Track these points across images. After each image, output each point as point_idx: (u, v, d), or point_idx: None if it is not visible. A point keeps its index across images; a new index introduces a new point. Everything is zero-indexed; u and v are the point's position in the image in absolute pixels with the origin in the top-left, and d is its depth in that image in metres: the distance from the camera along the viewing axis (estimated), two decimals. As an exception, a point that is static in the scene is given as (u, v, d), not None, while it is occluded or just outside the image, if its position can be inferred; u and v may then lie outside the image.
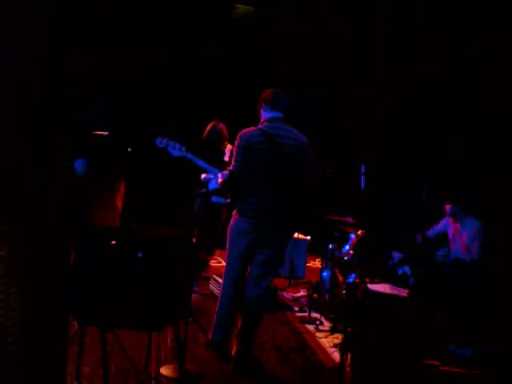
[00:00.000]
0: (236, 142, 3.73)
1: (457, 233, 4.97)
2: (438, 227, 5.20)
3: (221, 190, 4.93)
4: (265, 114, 3.79)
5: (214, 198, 5.38)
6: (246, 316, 3.77)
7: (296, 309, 5.30)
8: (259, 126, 3.74)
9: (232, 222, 3.79)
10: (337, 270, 5.06)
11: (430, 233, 5.24)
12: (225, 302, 3.79)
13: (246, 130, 3.75)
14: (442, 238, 5.17)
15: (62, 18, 1.94)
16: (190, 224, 5.46)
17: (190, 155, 3.86)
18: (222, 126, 5.49)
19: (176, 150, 3.84)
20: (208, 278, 5.53)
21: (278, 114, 3.75)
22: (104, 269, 2.93)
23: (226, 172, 3.82)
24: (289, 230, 3.94)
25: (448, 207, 4.99)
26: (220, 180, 4.13)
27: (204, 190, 5.15)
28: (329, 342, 4.42)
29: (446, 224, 5.13)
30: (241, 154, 3.68)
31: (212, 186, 5.29)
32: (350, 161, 6.04)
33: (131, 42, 8.00)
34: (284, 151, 3.65)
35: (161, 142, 3.85)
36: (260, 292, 3.74)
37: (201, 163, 3.91)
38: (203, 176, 5.27)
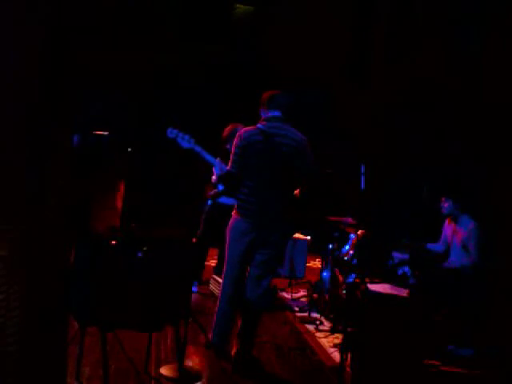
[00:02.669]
0: (234, 141, 3.73)
1: (454, 232, 4.98)
2: (438, 245, 5.20)
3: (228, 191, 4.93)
4: (263, 115, 3.79)
5: (222, 199, 5.37)
6: (245, 316, 3.77)
7: (296, 309, 5.30)
8: (257, 125, 3.74)
9: (231, 222, 3.78)
10: (337, 270, 5.06)
11: (430, 246, 5.23)
12: (224, 301, 3.79)
13: (245, 129, 3.75)
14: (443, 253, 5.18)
15: (62, 17, 1.94)
16: (194, 225, 5.46)
17: (198, 148, 3.86)
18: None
19: (185, 142, 3.84)
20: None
21: (277, 114, 3.74)
22: (104, 269, 2.93)
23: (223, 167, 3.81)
24: (288, 229, 3.93)
25: (443, 200, 4.98)
26: (214, 177, 4.12)
27: (214, 192, 5.15)
28: (329, 342, 4.41)
29: (445, 238, 5.13)
30: (238, 154, 3.68)
31: (221, 187, 5.28)
32: (350, 161, 6.04)
33: (131, 42, 8.01)
34: (283, 150, 3.64)
35: (171, 132, 3.87)
36: (260, 292, 3.73)
37: (208, 157, 3.91)
38: (213, 177, 5.27)
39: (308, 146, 3.75)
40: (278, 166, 3.65)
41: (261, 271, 3.74)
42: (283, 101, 3.77)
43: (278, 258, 3.89)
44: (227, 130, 5.34)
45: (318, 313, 5.09)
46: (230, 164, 3.72)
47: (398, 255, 5.09)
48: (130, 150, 4.37)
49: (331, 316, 4.90)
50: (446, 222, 5.10)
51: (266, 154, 3.63)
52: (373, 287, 3.76)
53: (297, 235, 6.08)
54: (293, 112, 3.82)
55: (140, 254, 2.99)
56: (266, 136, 3.64)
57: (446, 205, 4.96)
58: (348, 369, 3.51)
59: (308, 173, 3.76)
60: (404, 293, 3.79)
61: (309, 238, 6.37)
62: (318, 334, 4.59)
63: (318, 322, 4.81)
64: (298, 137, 3.72)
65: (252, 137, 3.66)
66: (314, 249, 6.66)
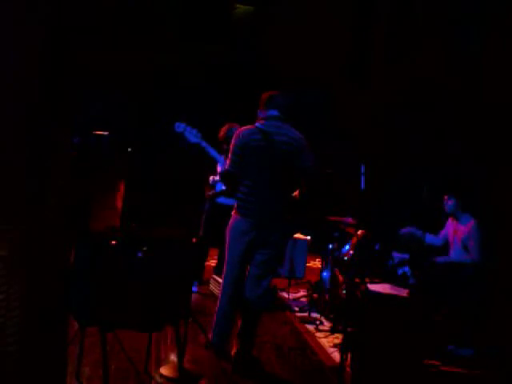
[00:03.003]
0: (232, 140, 3.73)
1: (455, 231, 4.99)
2: (438, 239, 5.21)
3: (227, 191, 4.94)
4: (262, 115, 3.79)
5: (221, 199, 5.37)
6: (245, 316, 3.77)
7: (296, 309, 5.30)
8: (256, 124, 3.74)
9: (231, 221, 3.78)
10: (337, 270, 5.06)
11: (429, 239, 5.23)
12: (224, 301, 3.79)
13: (243, 128, 3.74)
14: (441, 247, 5.19)
15: (62, 17, 1.94)
16: (194, 225, 5.47)
17: (204, 143, 3.91)
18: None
19: (193, 136, 3.89)
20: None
21: (275, 113, 3.74)
22: (104, 269, 2.93)
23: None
24: (288, 229, 3.93)
25: (446, 199, 5.00)
26: (212, 178, 4.13)
27: (212, 192, 5.16)
28: (329, 342, 4.41)
29: (445, 234, 5.14)
30: (237, 154, 3.67)
31: (219, 187, 5.30)
32: (350, 161, 6.04)
33: (131, 42, 8.01)
34: (282, 149, 3.64)
35: (179, 126, 3.93)
36: (260, 292, 3.73)
37: (213, 153, 3.95)
38: (211, 178, 5.27)
39: (307, 146, 3.75)
40: (277, 165, 3.64)
41: (261, 271, 3.74)
42: (282, 101, 3.77)
43: (277, 257, 3.88)
44: (223, 130, 5.34)
45: (317, 313, 5.09)
46: (228, 163, 3.71)
47: (397, 255, 5.10)
48: (130, 149, 4.37)
49: (331, 316, 4.90)
50: (449, 219, 5.12)
51: (265, 153, 3.63)
52: (373, 287, 3.75)
53: (297, 235, 6.08)
54: (292, 112, 3.82)
55: (140, 254, 2.99)
56: (265, 135, 3.64)
57: (450, 202, 4.98)
58: (348, 369, 3.51)
59: (308, 172, 3.76)
60: (404, 293, 3.79)
61: (309, 237, 6.37)
62: (318, 334, 4.59)
63: (318, 322, 4.81)
64: (298, 136, 3.72)
65: (251, 136, 3.66)
66: (314, 249, 6.66)
